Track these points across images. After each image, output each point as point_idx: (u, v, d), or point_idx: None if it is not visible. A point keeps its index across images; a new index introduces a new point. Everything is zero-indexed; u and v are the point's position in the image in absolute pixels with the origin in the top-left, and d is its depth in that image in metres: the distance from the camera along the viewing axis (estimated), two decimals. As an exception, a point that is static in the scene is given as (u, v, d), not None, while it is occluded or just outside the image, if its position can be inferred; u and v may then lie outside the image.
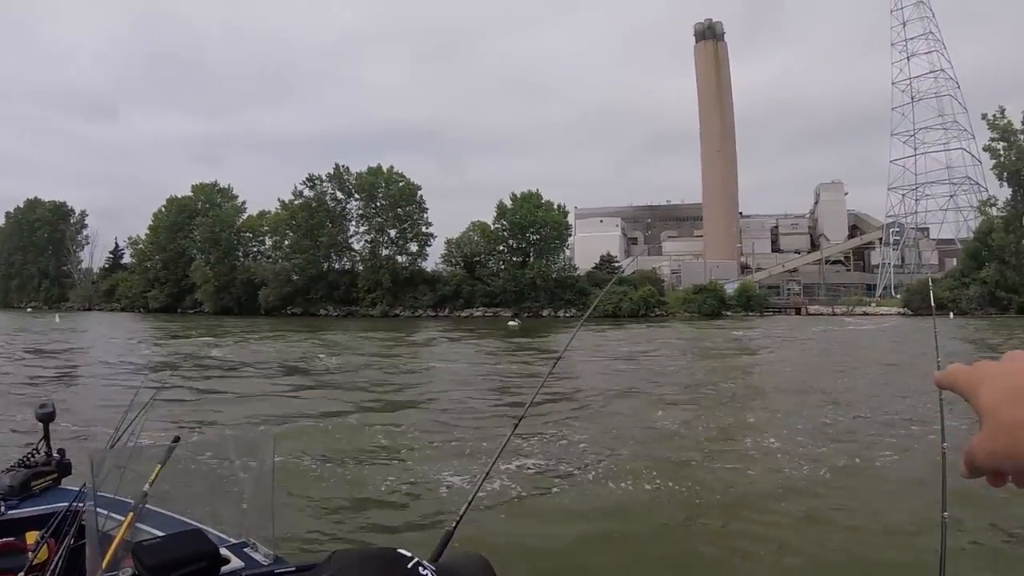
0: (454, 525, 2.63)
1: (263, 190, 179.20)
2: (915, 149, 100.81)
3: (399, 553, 1.35)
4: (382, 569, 1.29)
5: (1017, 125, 76.84)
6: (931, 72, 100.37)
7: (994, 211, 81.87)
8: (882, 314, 72.91)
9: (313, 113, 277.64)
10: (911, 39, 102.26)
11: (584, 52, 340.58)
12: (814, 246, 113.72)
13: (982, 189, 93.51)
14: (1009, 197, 79.89)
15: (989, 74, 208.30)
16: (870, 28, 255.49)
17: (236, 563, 3.14)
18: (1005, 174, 77.64)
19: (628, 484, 9.68)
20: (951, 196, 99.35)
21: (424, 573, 1.30)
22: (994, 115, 78.13)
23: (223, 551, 3.15)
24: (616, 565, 7.33)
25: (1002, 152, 77.57)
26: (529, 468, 10.41)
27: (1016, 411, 0.70)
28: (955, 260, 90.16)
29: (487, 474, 3.15)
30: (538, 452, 11.43)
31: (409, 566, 1.30)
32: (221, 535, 3.39)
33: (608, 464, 10.76)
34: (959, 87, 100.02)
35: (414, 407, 16.46)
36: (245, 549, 3.30)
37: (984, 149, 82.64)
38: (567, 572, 7.31)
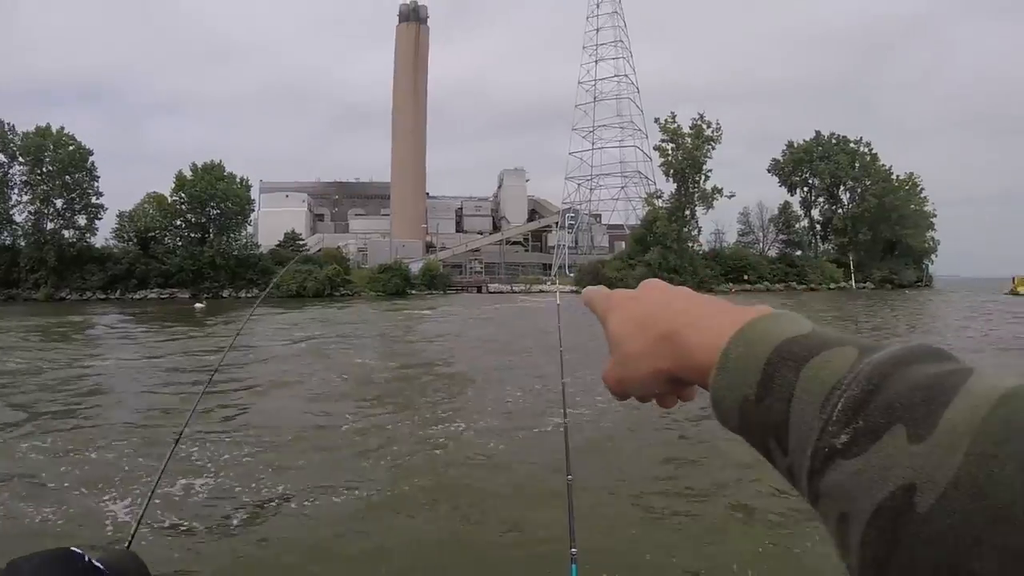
0: None
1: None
2: (593, 144, 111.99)
3: (73, 551, 1.44)
4: (62, 570, 1.37)
5: (685, 129, 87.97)
6: (615, 76, 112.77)
7: (660, 203, 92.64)
8: (557, 291, 78.02)
9: None
10: (602, 45, 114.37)
11: (277, 19, 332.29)
12: (496, 228, 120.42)
13: (650, 182, 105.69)
14: (673, 191, 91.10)
15: (666, 83, 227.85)
16: (562, 31, 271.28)
17: None
18: (671, 171, 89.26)
19: (313, 496, 9.50)
20: (623, 187, 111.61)
21: (99, 567, 1.42)
22: (666, 119, 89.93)
23: None
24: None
25: (670, 152, 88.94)
26: (199, 491, 9.71)
27: (637, 341, 0.75)
28: (624, 243, 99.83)
29: (142, 515, 3.07)
30: (210, 467, 10.76)
31: (85, 561, 1.40)
32: None
33: (288, 476, 10.48)
34: (639, 92, 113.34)
35: (72, 419, 14.69)
36: None
37: (655, 148, 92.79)
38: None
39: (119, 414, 14.98)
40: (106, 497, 9.34)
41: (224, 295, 76.55)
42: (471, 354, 25.23)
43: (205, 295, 74.32)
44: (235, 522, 8.60)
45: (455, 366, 22.16)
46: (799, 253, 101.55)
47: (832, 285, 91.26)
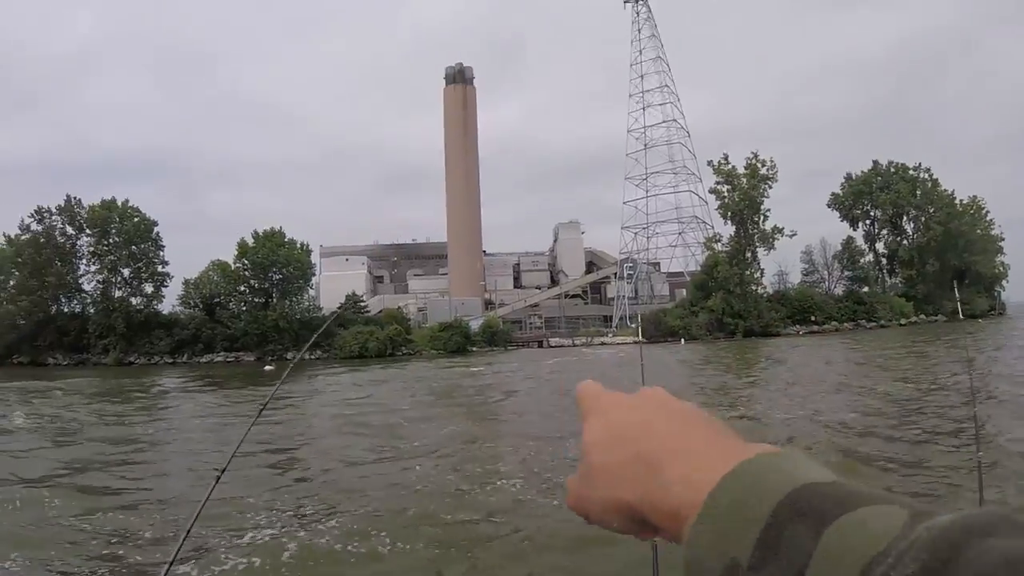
0: None
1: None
2: (647, 191, 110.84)
3: None
4: None
5: (740, 170, 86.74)
6: (664, 122, 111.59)
7: (719, 246, 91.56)
8: (619, 343, 77.74)
9: (40, 137, 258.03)
10: (647, 91, 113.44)
11: (328, 88, 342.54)
12: (554, 282, 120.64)
13: (708, 227, 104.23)
14: (732, 234, 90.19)
15: (715, 125, 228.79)
16: (607, 81, 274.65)
17: None
18: (729, 213, 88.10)
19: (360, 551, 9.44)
20: (680, 233, 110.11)
21: None
22: (719, 161, 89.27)
23: None
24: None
25: (726, 194, 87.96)
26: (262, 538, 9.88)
27: (605, 455, 0.63)
28: (685, 291, 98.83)
29: (175, 557, 2.95)
30: (265, 523, 10.76)
31: None
32: None
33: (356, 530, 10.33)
34: (689, 135, 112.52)
35: (130, 470, 15.49)
36: None
37: (710, 191, 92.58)
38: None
39: (178, 463, 15.97)
40: (153, 548, 9.63)
41: (288, 357, 76.62)
42: (532, 406, 25.19)
43: (270, 357, 75.36)
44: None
45: (515, 419, 22.41)
46: (866, 289, 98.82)
47: (903, 320, 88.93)
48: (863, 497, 0.43)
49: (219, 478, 3.30)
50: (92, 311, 78.70)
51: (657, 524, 0.57)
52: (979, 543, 0.38)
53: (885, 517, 0.41)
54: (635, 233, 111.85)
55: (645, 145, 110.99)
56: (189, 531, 3.04)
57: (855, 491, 0.44)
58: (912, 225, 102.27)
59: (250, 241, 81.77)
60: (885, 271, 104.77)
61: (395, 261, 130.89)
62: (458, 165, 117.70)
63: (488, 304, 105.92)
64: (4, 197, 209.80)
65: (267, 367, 59.39)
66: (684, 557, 0.49)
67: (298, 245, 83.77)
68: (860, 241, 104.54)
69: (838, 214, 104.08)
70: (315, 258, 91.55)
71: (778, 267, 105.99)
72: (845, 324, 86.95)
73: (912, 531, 0.40)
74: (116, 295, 79.44)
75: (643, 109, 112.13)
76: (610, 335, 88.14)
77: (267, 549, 9.32)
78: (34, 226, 78.67)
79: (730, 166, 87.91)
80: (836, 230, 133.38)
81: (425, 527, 10.26)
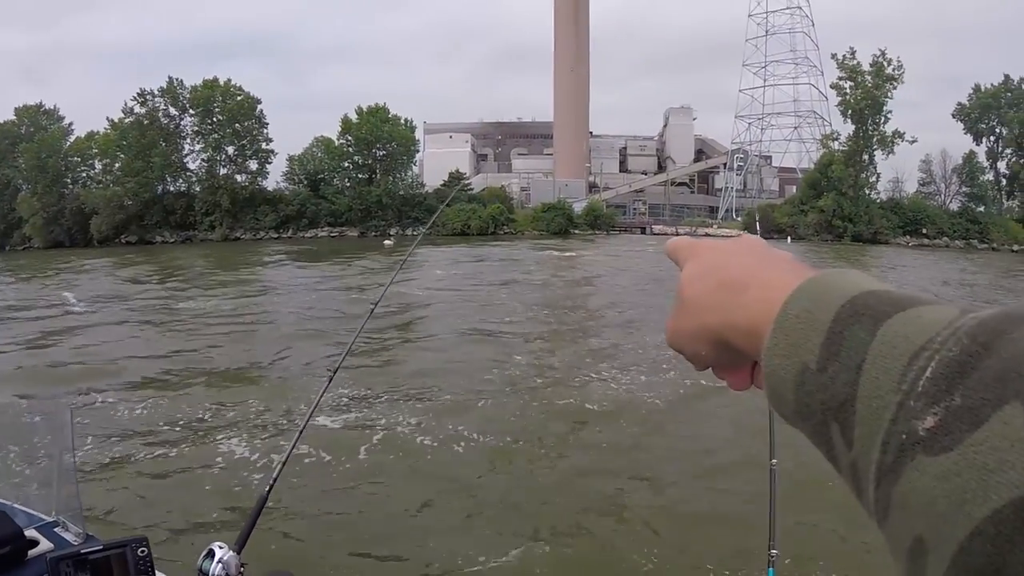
0: (260, 505, 2.67)
1: (94, 110, 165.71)
2: (765, 81, 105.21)
3: None
4: None
5: (865, 67, 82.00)
6: (788, 8, 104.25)
7: (836, 145, 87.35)
8: (723, 235, 76.62)
9: (141, 19, 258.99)
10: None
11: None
12: (661, 168, 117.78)
13: (826, 123, 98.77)
14: (851, 133, 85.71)
15: (842, 16, 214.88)
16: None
17: (45, 545, 2.95)
18: (849, 111, 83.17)
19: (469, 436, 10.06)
20: (796, 128, 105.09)
21: None
22: (844, 55, 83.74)
23: (31, 532, 2.99)
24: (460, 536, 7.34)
25: (848, 91, 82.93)
26: (349, 416, 10.57)
27: (696, 287, 0.69)
28: (795, 188, 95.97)
29: (293, 446, 3.14)
30: (359, 398, 11.52)
31: None
32: (31, 513, 3.26)
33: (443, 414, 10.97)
34: (813, 25, 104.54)
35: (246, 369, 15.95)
36: (55, 529, 3.13)
37: (831, 86, 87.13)
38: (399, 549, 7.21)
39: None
40: (244, 442, 10.14)
41: (392, 233, 78.45)
42: (633, 297, 25.58)
43: (374, 233, 77.57)
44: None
45: (616, 312, 22.29)
46: (981, 209, 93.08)
47: (1016, 247, 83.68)
48: (920, 299, 0.47)
49: (331, 379, 3.50)
50: (197, 189, 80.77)
51: (739, 346, 0.61)
52: (1021, 327, 0.40)
53: (937, 312, 0.44)
54: (749, 123, 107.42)
55: (766, 31, 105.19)
56: (302, 431, 3.24)
57: (913, 296, 0.48)
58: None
59: (354, 117, 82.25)
60: (1004, 192, 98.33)
61: (499, 139, 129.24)
62: (567, 42, 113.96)
63: (592, 187, 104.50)
64: (105, 83, 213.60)
65: (387, 242, 61.98)
66: (763, 371, 0.54)
67: (402, 121, 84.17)
68: (982, 158, 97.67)
69: (963, 126, 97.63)
70: (419, 135, 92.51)
71: (894, 173, 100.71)
72: (956, 242, 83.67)
73: (959, 321, 0.43)
74: (221, 173, 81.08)
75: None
76: (715, 226, 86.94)
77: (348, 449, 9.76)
78: (137, 109, 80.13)
79: (855, 61, 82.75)
80: (959, 143, 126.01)
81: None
